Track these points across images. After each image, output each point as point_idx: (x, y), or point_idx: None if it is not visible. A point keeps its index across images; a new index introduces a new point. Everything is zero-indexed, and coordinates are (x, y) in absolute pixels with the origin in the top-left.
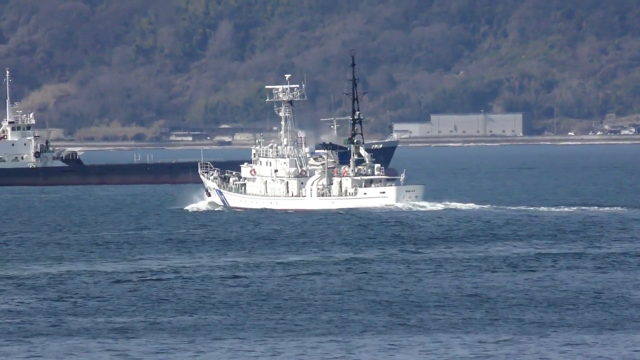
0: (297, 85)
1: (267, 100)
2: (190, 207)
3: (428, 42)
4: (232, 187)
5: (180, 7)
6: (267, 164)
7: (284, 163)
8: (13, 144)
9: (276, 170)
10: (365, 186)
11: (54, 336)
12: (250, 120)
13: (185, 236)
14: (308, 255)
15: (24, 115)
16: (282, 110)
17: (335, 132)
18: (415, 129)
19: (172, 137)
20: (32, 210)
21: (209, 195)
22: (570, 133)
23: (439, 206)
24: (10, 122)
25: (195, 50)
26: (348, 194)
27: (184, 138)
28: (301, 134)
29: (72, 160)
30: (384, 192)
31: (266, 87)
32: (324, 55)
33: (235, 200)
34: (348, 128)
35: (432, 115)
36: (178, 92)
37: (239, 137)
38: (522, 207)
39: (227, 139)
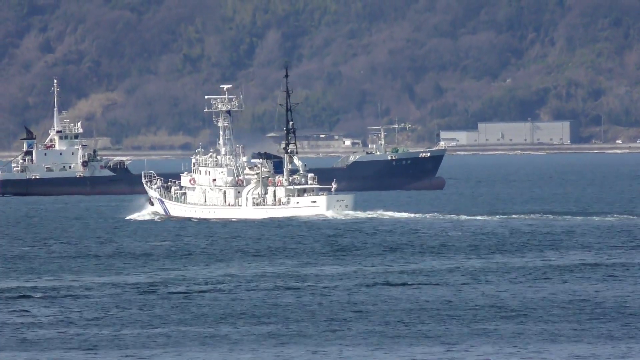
0: (234, 96)
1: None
2: (132, 216)
3: (475, 50)
4: (172, 197)
5: (227, 17)
6: (205, 173)
7: (222, 172)
8: (61, 153)
9: (214, 180)
10: (298, 195)
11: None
12: (297, 128)
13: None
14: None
15: (72, 124)
16: (221, 120)
17: (383, 140)
18: (462, 137)
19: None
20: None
21: (152, 204)
22: (618, 141)
23: (370, 215)
24: (58, 132)
25: (242, 60)
26: (281, 203)
27: None
28: (347, 141)
29: (120, 169)
30: (315, 202)
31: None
32: (371, 63)
33: (176, 210)
34: (395, 136)
35: (479, 124)
36: None
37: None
38: None
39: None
